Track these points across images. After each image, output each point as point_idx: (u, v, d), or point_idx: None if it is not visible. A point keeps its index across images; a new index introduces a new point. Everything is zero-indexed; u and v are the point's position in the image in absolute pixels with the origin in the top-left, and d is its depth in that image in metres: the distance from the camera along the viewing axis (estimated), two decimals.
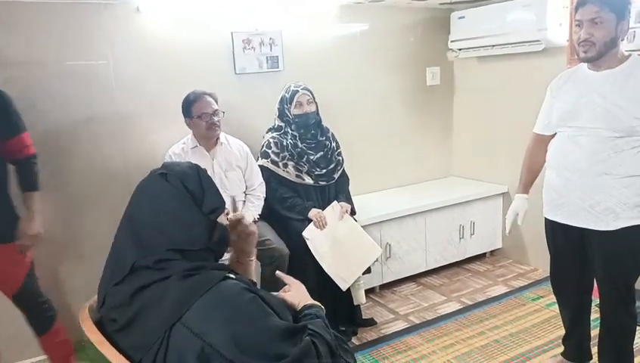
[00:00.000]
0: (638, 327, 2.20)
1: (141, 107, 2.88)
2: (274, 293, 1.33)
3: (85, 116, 2.74)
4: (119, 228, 1.20)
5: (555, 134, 2.16)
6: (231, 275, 1.14)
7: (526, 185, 2.31)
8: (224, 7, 3.00)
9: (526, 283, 3.41)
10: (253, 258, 1.48)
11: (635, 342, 2.15)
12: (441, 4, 3.66)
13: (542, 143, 2.24)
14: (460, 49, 3.74)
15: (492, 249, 3.90)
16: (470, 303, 3.18)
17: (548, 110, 2.17)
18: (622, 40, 1.93)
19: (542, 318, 2.92)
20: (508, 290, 3.33)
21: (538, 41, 3.19)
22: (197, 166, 1.27)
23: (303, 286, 1.39)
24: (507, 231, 2.35)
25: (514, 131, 3.58)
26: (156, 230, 1.14)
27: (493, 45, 3.47)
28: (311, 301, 1.32)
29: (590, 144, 1.95)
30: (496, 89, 3.73)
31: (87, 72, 2.71)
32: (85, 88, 2.72)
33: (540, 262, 3.58)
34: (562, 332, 2.40)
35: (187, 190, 1.18)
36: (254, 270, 1.50)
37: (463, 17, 3.61)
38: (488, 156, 3.89)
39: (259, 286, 1.46)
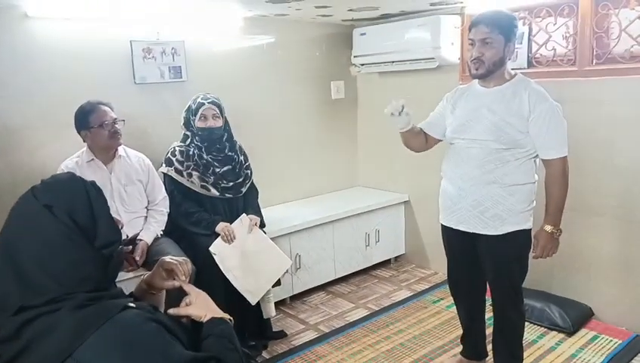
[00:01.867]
0: (526, 323, 2.40)
1: (30, 119, 2.66)
2: (173, 311, 1.23)
3: None
4: None
5: (428, 136, 2.37)
6: (131, 305, 1.06)
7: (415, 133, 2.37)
8: (122, 15, 2.86)
9: (427, 287, 3.60)
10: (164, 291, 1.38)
11: (524, 337, 2.34)
12: (343, 20, 3.78)
13: (422, 134, 2.38)
14: (362, 64, 3.88)
15: (396, 255, 4.07)
16: (377, 309, 3.29)
17: (437, 112, 2.36)
18: (509, 59, 2.12)
19: (443, 320, 3.09)
20: (412, 294, 3.49)
21: (432, 58, 3.40)
22: (86, 187, 1.12)
23: (207, 296, 1.30)
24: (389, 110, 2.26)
25: None
26: (41, 271, 1.00)
27: (392, 61, 3.65)
28: (217, 313, 1.26)
29: (480, 155, 2.12)
30: None
31: None
32: None
33: (440, 266, 3.79)
34: (461, 332, 2.55)
35: (77, 225, 1.04)
36: (163, 300, 1.41)
37: (364, 34, 3.75)
38: (390, 167, 4.06)
39: (163, 308, 1.37)
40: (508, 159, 2.08)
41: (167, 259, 1.33)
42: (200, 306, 1.25)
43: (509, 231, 2.12)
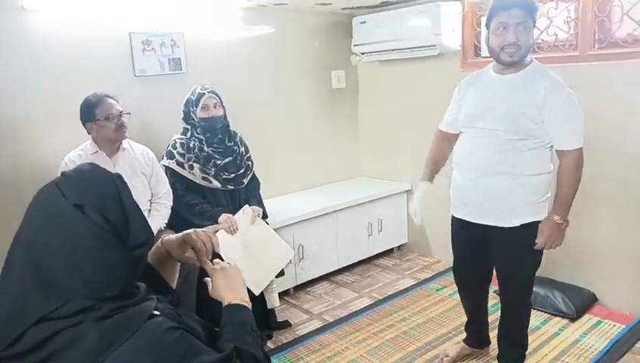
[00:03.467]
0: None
1: (32, 111, 2.66)
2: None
3: None
4: (12, 257, 0.97)
5: (460, 133, 2.23)
6: (156, 312, 1.00)
7: (431, 174, 2.34)
8: (120, 6, 2.85)
9: (430, 275, 3.60)
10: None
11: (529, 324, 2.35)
12: (343, 9, 3.76)
13: (446, 140, 2.30)
14: (363, 53, 3.86)
15: (399, 244, 4.07)
16: (381, 298, 3.30)
17: (454, 108, 2.24)
18: None
19: (446, 307, 3.10)
20: (415, 283, 3.50)
21: (433, 45, 3.37)
22: (114, 180, 1.03)
23: (228, 272, 1.25)
24: (417, 220, 2.32)
25: (415, 131, 3.77)
26: (70, 274, 0.94)
27: (393, 50, 3.62)
28: (238, 295, 1.20)
29: (490, 144, 2.04)
30: (397, 91, 3.90)
31: None
32: None
33: (443, 254, 3.80)
34: (464, 319, 2.56)
35: (109, 223, 0.97)
36: (178, 269, 1.38)
37: (364, 22, 3.73)
38: (392, 156, 4.06)
39: (176, 278, 1.37)
40: (520, 149, 2.00)
41: (193, 234, 1.26)
42: (221, 288, 1.22)
43: (521, 223, 2.06)
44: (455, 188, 2.23)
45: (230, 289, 1.22)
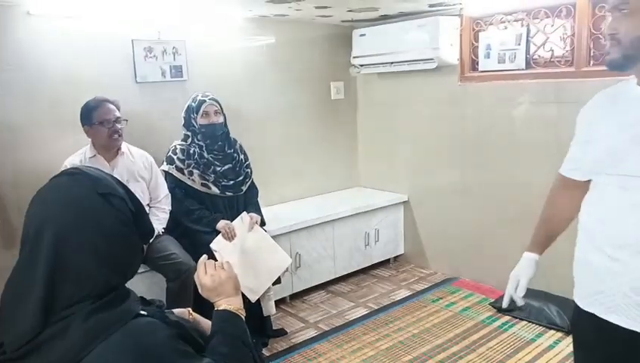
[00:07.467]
0: (524, 322, 2.33)
1: (34, 116, 2.68)
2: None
3: None
4: (33, 244, 0.96)
5: (589, 181, 1.42)
6: (143, 312, 1.01)
7: (540, 243, 1.59)
8: (124, 14, 2.89)
9: (426, 286, 3.61)
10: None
11: (522, 336, 2.32)
12: (343, 21, 3.81)
13: (569, 189, 1.51)
14: (362, 65, 3.90)
15: (396, 254, 4.08)
16: (376, 308, 3.30)
17: (579, 145, 1.46)
18: None
19: (442, 318, 3.11)
20: (411, 293, 3.51)
21: (431, 59, 3.42)
22: (115, 180, 1.07)
23: (219, 274, 1.22)
24: (504, 304, 1.62)
25: (413, 143, 3.81)
26: (95, 261, 0.96)
27: (392, 62, 3.66)
28: (231, 300, 1.18)
29: None
30: (396, 104, 3.95)
31: None
32: None
33: (439, 265, 3.82)
34: (459, 330, 2.54)
35: (130, 210, 1.02)
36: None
37: (364, 35, 3.78)
38: (390, 167, 4.09)
39: (165, 303, 1.36)
40: None
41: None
42: (211, 289, 1.19)
43: None
44: (583, 269, 1.43)
45: (216, 291, 1.19)
